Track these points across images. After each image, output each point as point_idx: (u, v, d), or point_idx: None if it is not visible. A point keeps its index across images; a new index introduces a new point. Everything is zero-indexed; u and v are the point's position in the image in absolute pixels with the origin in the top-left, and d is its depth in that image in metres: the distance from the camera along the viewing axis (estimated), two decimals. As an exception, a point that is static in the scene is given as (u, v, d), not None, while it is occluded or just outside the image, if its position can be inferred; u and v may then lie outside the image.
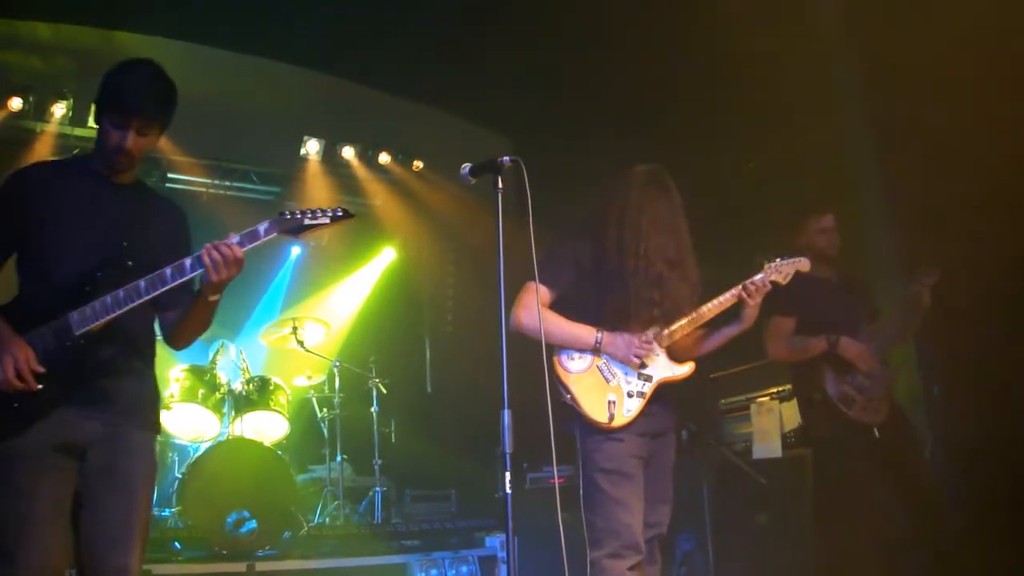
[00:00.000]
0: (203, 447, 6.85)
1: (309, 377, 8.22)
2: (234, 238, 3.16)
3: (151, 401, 3.44)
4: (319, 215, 3.25)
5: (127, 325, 3.25)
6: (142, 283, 3.14)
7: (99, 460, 3.17)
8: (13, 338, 3.08)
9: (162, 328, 3.50)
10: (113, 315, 3.14)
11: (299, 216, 3.23)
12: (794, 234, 5.32)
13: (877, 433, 5.01)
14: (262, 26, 8.15)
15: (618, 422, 4.00)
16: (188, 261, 3.16)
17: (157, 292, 3.16)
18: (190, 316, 3.35)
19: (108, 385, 3.23)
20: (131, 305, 3.15)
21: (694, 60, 6.96)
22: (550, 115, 8.27)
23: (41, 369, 3.05)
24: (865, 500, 4.97)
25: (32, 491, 3.04)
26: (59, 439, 3.10)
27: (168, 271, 3.15)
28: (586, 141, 7.79)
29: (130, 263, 3.24)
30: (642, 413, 4.05)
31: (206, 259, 3.11)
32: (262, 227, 3.20)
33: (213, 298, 3.26)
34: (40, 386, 3.06)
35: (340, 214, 3.28)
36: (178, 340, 3.50)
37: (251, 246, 3.19)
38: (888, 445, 5.01)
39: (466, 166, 3.62)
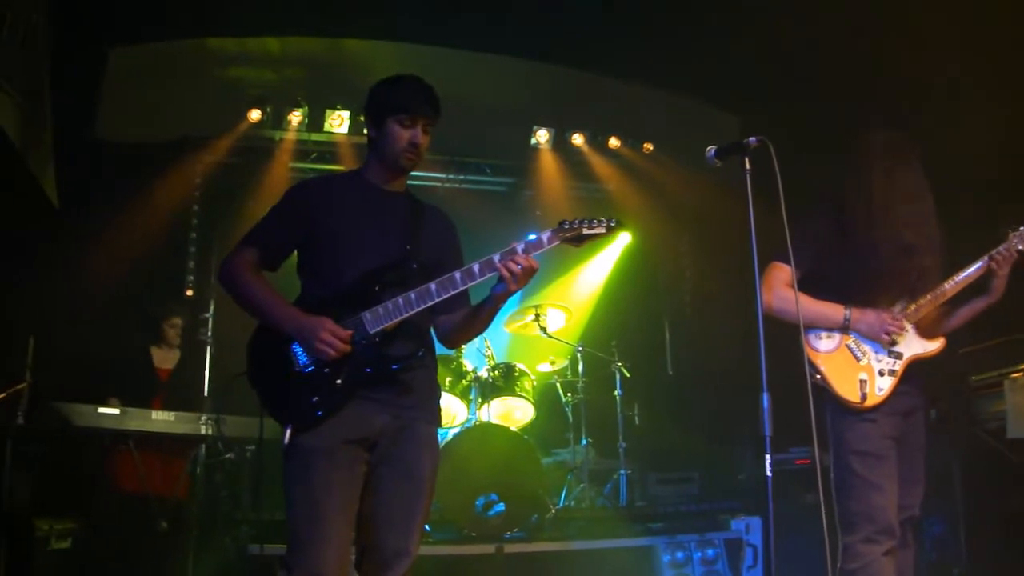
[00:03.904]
0: (451, 433, 7.02)
1: (552, 363, 8.34)
2: (519, 247, 3.29)
3: (436, 395, 3.60)
4: (595, 225, 3.36)
5: (415, 323, 3.43)
6: (433, 286, 3.32)
7: (389, 451, 3.35)
8: (311, 317, 3.28)
9: (437, 330, 3.66)
10: (405, 315, 3.33)
11: (578, 225, 3.34)
12: None
13: None
14: (485, 22, 8.31)
15: (871, 402, 3.92)
16: (476, 266, 3.32)
17: (448, 294, 3.33)
18: (476, 319, 3.51)
19: (399, 380, 3.38)
20: (423, 306, 3.33)
21: (925, 28, 6.58)
22: (778, 90, 8.04)
23: (346, 333, 3.26)
24: None
25: (327, 486, 3.22)
26: (353, 433, 3.28)
27: (458, 275, 3.32)
28: (817, 114, 7.53)
29: (414, 265, 3.41)
30: (894, 392, 3.94)
31: (504, 272, 3.26)
32: (545, 236, 3.35)
33: (500, 305, 3.43)
34: (349, 347, 3.27)
35: (615, 224, 3.38)
36: (457, 341, 3.70)
37: (536, 254, 3.32)
38: None
39: (711, 148, 3.60)
